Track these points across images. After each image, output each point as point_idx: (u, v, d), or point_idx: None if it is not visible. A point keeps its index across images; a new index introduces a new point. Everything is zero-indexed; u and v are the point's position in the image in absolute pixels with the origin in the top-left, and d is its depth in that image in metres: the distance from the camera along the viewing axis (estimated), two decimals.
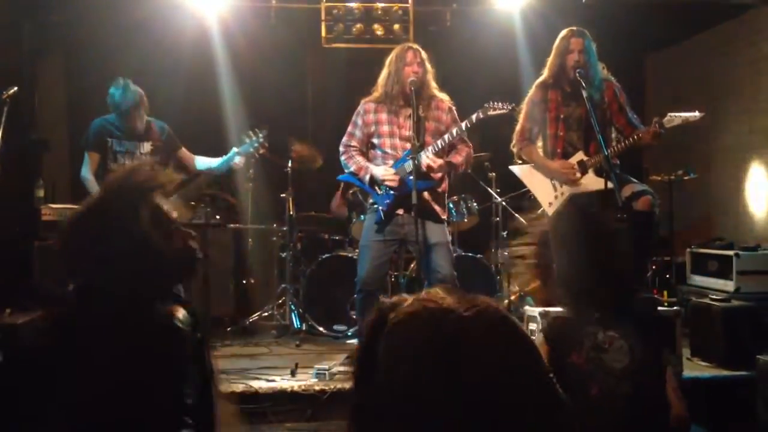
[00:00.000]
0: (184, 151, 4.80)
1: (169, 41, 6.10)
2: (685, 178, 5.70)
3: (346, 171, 4.43)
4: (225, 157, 4.74)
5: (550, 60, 4.36)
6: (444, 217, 4.33)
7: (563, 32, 4.32)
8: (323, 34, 6.55)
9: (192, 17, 6.25)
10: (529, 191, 4.69)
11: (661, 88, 7.41)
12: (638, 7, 6.31)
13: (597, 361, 2.31)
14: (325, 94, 7.06)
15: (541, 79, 4.41)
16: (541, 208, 4.57)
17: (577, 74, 4.08)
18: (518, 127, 4.45)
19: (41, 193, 5.82)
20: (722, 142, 6.38)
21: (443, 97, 4.37)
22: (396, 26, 6.50)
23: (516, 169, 4.59)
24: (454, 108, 4.40)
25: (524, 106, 4.40)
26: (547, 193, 4.40)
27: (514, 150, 4.51)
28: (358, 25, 6.48)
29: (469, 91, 5.27)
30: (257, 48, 6.72)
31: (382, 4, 6.50)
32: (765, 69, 5.87)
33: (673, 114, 4.05)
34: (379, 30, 6.52)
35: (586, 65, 4.18)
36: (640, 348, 2.34)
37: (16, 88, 4.45)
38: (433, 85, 4.33)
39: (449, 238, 4.38)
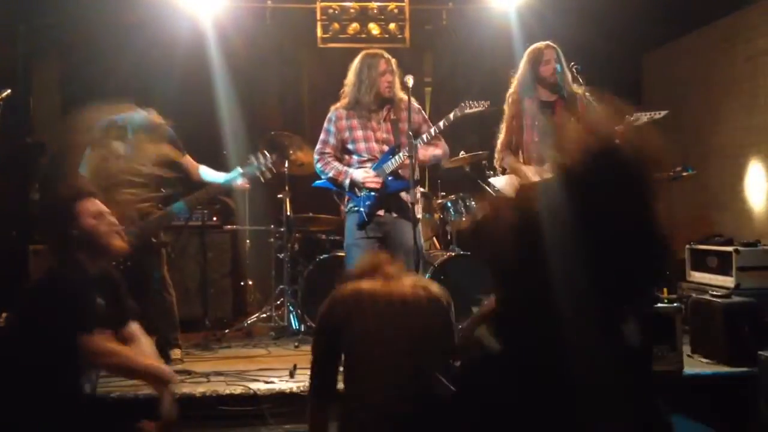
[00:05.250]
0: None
1: (164, 43, 6.08)
2: (684, 174, 5.67)
3: (323, 177, 4.44)
4: (228, 176, 4.56)
5: (521, 71, 4.42)
6: (419, 216, 4.37)
7: (535, 45, 4.43)
8: (319, 33, 6.54)
9: (187, 19, 6.24)
10: None
11: (658, 86, 7.39)
12: (634, 4, 6.30)
13: None
14: (321, 93, 7.03)
15: (512, 90, 4.45)
16: None
17: (574, 69, 4.13)
18: (500, 140, 4.49)
19: (37, 196, 5.81)
20: (721, 138, 6.36)
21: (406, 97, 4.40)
22: (392, 25, 6.49)
23: (496, 180, 4.60)
24: (421, 108, 4.51)
25: (504, 120, 4.44)
26: None
27: (497, 164, 4.55)
28: (354, 25, 6.47)
29: (465, 89, 5.26)
30: (253, 48, 6.70)
31: (378, 3, 6.49)
32: (762, 65, 5.84)
33: (638, 113, 4.15)
34: (375, 29, 6.50)
35: (558, 76, 4.29)
36: None
37: (9, 91, 4.40)
38: (398, 87, 4.38)
39: (422, 240, 4.47)
